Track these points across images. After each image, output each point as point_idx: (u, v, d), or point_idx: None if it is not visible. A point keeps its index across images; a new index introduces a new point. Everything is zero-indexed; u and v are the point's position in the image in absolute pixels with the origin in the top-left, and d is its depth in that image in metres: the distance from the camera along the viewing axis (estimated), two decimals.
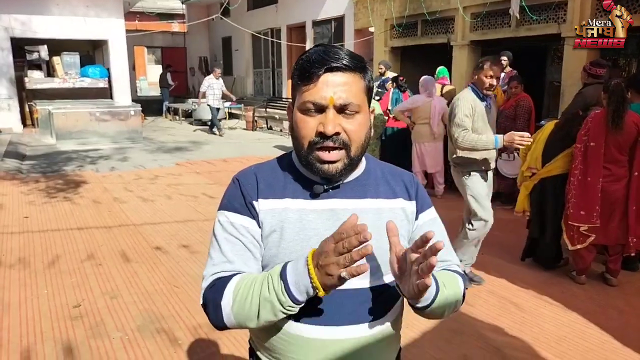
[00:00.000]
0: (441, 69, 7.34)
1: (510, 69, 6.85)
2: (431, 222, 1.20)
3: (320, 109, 1.04)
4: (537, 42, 8.23)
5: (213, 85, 12.21)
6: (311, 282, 0.93)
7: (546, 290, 3.66)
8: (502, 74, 6.76)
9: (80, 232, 4.91)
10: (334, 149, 1.04)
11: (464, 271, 3.70)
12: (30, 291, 3.58)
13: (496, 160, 5.91)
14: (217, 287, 1.04)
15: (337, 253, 0.89)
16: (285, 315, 0.99)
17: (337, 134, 1.03)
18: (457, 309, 1.17)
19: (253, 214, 1.10)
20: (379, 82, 7.67)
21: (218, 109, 12.50)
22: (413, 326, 3.06)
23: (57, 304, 3.38)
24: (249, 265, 1.08)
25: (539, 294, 3.59)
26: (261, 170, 1.16)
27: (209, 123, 12.93)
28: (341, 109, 1.03)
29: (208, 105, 12.43)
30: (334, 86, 1.02)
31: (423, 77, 6.45)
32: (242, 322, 1.02)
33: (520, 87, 5.78)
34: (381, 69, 8.15)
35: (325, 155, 1.04)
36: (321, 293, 0.93)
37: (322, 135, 1.03)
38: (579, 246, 3.65)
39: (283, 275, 0.96)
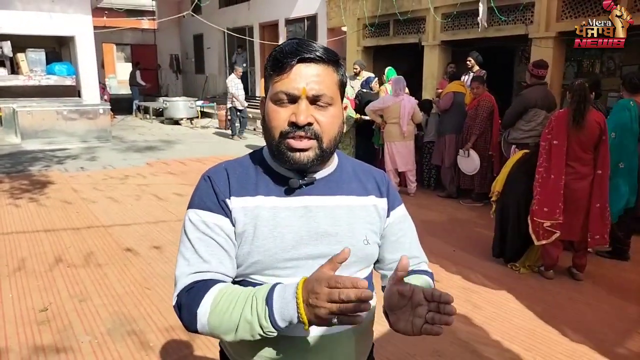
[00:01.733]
0: (389, 70, 7.40)
1: (479, 69, 6.98)
2: (402, 218, 1.22)
3: (293, 100, 1.03)
4: (505, 43, 8.41)
5: (238, 85, 11.14)
6: (298, 316, 0.89)
7: (516, 285, 3.75)
8: (471, 74, 6.90)
9: (47, 234, 4.77)
10: (305, 138, 1.04)
11: None
12: None
13: (456, 158, 6.07)
14: (195, 292, 1.01)
15: (331, 300, 0.85)
16: (261, 338, 0.96)
17: (310, 124, 1.03)
18: None
19: (226, 212, 1.08)
20: (361, 82, 7.71)
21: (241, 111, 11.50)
22: (386, 323, 3.08)
23: (22, 308, 3.28)
24: (225, 265, 1.06)
25: (509, 289, 3.67)
26: (232, 167, 1.15)
27: (232, 129, 11.69)
28: (314, 100, 1.04)
29: (235, 108, 11.28)
30: (307, 77, 1.03)
31: (393, 77, 6.53)
32: (217, 334, 0.99)
33: (482, 87, 5.89)
34: (356, 68, 8.18)
35: (296, 142, 1.04)
36: (306, 327, 0.90)
37: (294, 125, 1.03)
38: (544, 241, 3.75)
39: (269, 300, 0.92)
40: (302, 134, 1.03)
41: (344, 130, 1.15)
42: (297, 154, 1.04)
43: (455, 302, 0.93)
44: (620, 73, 8.49)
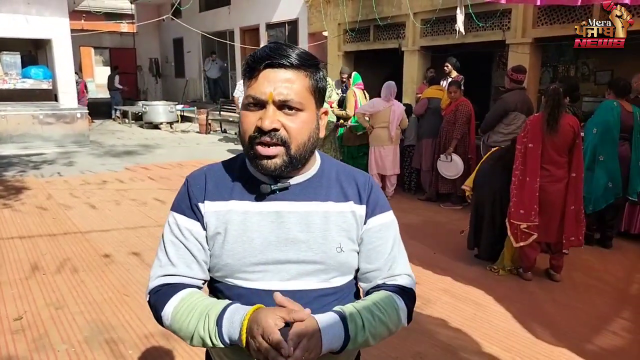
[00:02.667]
0: (355, 75, 7.45)
1: (457, 74, 7.08)
2: (381, 227, 1.16)
3: (261, 105, 1.03)
4: (483, 48, 8.55)
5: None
6: (239, 339, 0.97)
7: (495, 286, 3.79)
8: (449, 79, 7.00)
9: (22, 241, 4.66)
10: (272, 144, 1.04)
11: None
12: None
13: (436, 162, 6.13)
14: (161, 295, 1.09)
15: (258, 349, 0.93)
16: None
17: (276, 130, 1.03)
18: (398, 329, 1.14)
19: (198, 216, 1.11)
20: (343, 88, 7.74)
21: None
22: None
23: None
24: (192, 269, 1.11)
25: (488, 291, 3.71)
26: (212, 170, 1.16)
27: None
28: (281, 106, 1.03)
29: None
30: (275, 82, 1.02)
31: (386, 83, 6.54)
32: (178, 336, 1.08)
33: (459, 92, 5.96)
34: (344, 75, 8.14)
35: (263, 150, 1.04)
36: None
37: (260, 131, 1.03)
38: (522, 243, 3.81)
39: (219, 322, 1.00)
40: (268, 139, 1.03)
41: (323, 135, 1.14)
42: (265, 161, 1.05)
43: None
44: (595, 78, 8.71)
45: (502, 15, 7.42)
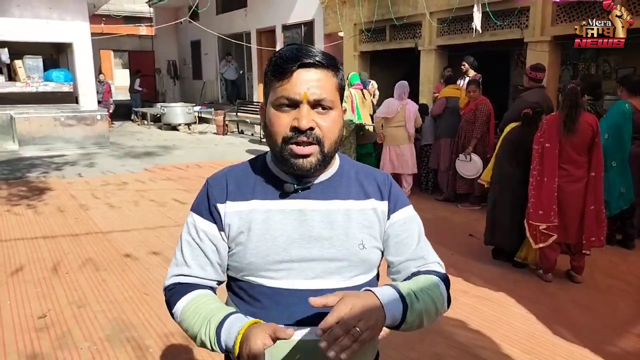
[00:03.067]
0: (352, 75, 7.41)
1: (475, 73, 7.02)
2: (405, 220, 1.19)
3: (294, 105, 1.05)
4: (501, 47, 8.46)
5: None
6: (233, 352, 1.00)
7: (515, 288, 3.75)
8: (466, 79, 6.94)
9: (46, 241, 4.76)
10: (307, 143, 1.05)
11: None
12: None
13: (454, 162, 6.07)
14: (173, 293, 1.14)
15: None
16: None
17: (311, 129, 1.05)
18: (442, 312, 1.15)
19: (215, 218, 1.13)
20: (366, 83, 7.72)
21: None
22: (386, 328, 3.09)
23: (21, 315, 3.27)
24: (206, 270, 1.15)
25: (508, 293, 3.67)
26: (233, 172, 1.18)
27: None
28: (315, 105, 1.05)
29: None
30: (308, 82, 1.04)
31: (399, 82, 6.54)
32: (187, 334, 1.12)
33: (478, 91, 5.91)
34: (359, 85, 8.11)
35: (299, 149, 1.05)
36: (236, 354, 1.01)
37: (296, 130, 1.04)
38: (541, 245, 3.76)
39: (218, 330, 1.03)
40: (305, 139, 1.04)
41: (345, 135, 1.16)
42: (300, 160, 1.06)
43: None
44: (616, 76, 8.54)
45: (520, 13, 7.34)
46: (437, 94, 7.79)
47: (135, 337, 3.00)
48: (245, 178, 1.16)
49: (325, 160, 1.08)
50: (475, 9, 7.17)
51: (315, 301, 0.96)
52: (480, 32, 7.52)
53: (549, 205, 3.66)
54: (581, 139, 3.60)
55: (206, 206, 1.14)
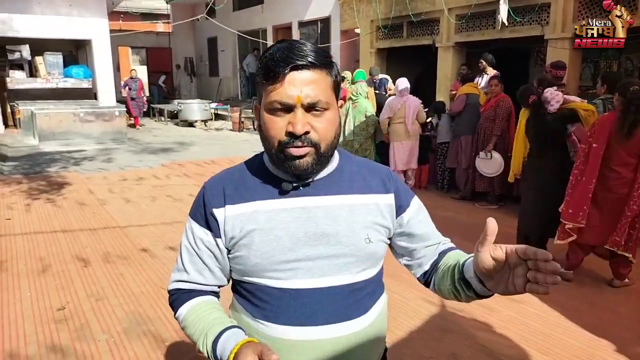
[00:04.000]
0: (358, 72, 7.42)
1: (493, 70, 6.92)
2: (417, 209, 1.21)
3: (288, 109, 1.02)
4: (521, 44, 8.33)
5: None
6: None
7: None
8: (485, 76, 6.85)
9: (65, 234, 4.83)
10: (303, 146, 1.03)
11: None
12: (13, 294, 3.51)
13: (474, 160, 6.01)
14: (175, 300, 1.17)
15: None
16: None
17: (307, 132, 1.02)
18: None
19: (211, 226, 1.12)
20: (376, 84, 7.71)
21: None
22: (403, 326, 3.07)
23: (40, 306, 3.32)
24: (204, 276, 1.15)
25: (526, 292, 3.61)
26: (230, 175, 1.16)
27: None
28: (309, 108, 1.02)
29: None
30: (301, 85, 1.00)
31: (399, 79, 6.65)
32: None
33: (499, 86, 5.82)
34: (374, 77, 8.08)
35: (294, 150, 1.03)
36: None
37: (291, 135, 1.02)
38: (559, 241, 3.72)
39: (214, 345, 1.04)
40: (300, 144, 1.02)
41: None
42: (297, 161, 1.04)
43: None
44: (639, 74, 8.36)
45: (540, 10, 7.22)
46: (454, 92, 7.71)
47: (152, 330, 3.03)
48: (243, 180, 1.14)
49: (321, 161, 1.06)
50: (502, 0, 7.09)
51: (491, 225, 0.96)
52: (506, 24, 7.41)
53: (580, 206, 3.57)
54: (637, 143, 3.40)
55: (202, 213, 1.12)
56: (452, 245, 1.26)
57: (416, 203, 1.22)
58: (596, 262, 3.98)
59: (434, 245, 1.23)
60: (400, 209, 1.17)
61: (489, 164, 5.81)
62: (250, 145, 11.02)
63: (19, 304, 3.36)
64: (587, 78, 8.38)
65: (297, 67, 1.00)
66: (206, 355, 1.06)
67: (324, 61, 1.03)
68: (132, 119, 13.79)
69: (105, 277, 3.82)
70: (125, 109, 11.90)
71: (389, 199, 1.15)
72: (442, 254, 1.22)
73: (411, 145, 6.57)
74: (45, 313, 3.24)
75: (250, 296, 1.12)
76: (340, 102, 1.13)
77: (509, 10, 7.30)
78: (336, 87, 1.08)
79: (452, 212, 5.84)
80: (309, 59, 1.00)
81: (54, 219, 5.33)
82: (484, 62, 6.95)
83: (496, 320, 3.21)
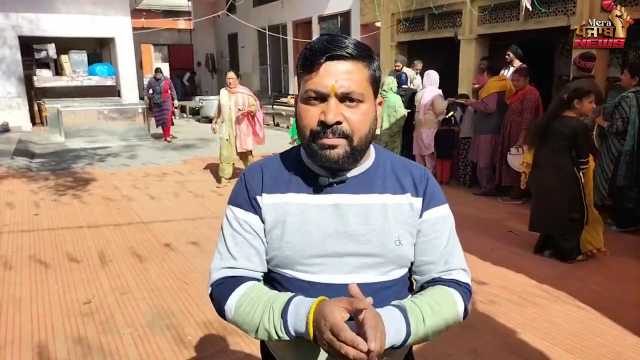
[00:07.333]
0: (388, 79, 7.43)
1: (520, 62, 6.77)
2: (437, 219, 1.14)
3: (323, 98, 1.02)
4: (545, 36, 8.14)
5: None
6: (306, 333, 0.96)
7: (559, 285, 3.63)
8: (511, 68, 6.71)
9: (90, 230, 4.94)
10: (334, 137, 1.03)
11: None
12: (41, 288, 3.61)
13: (506, 155, 5.90)
14: (224, 288, 1.10)
15: (330, 346, 0.90)
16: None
17: (339, 123, 1.02)
18: (453, 325, 1.12)
19: (256, 209, 1.11)
20: (402, 78, 7.64)
21: None
22: None
23: (67, 300, 3.41)
24: (252, 261, 1.12)
25: (551, 289, 3.56)
26: (268, 164, 1.17)
27: None
28: (343, 98, 1.02)
29: None
30: (336, 74, 1.01)
31: (427, 71, 6.88)
32: (241, 329, 1.08)
33: (522, 80, 5.68)
34: (398, 65, 8.08)
35: (326, 140, 1.03)
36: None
37: (323, 124, 1.02)
38: None
39: (284, 315, 0.99)
40: (331, 135, 1.02)
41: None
42: (328, 151, 1.03)
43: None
44: None
45: (566, 0, 7.03)
46: (477, 85, 7.57)
47: (175, 324, 3.07)
48: (280, 171, 1.14)
49: (354, 154, 1.05)
50: None
51: (353, 290, 0.94)
52: (530, 9, 7.25)
53: None
54: None
55: (246, 198, 1.13)
56: (458, 277, 1.15)
57: (441, 210, 1.15)
58: (624, 260, 3.88)
59: (435, 266, 1.14)
60: (421, 210, 1.14)
61: (521, 159, 5.69)
62: (270, 141, 11.03)
63: (47, 297, 3.45)
64: (615, 68, 8.14)
65: (333, 57, 1.01)
66: (273, 332, 1.00)
67: (362, 53, 1.04)
68: (158, 126, 11.24)
69: (129, 272, 3.90)
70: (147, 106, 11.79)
71: (418, 202, 1.13)
72: (436, 281, 1.14)
73: (426, 134, 6.78)
74: (72, 306, 3.32)
75: (279, 287, 1.13)
76: (379, 99, 1.12)
77: (533, 1, 7.13)
78: (374, 81, 1.07)
79: (473, 207, 5.77)
80: (347, 50, 1.02)
81: (80, 215, 5.45)
82: (511, 54, 6.79)
83: (518, 316, 3.16)
